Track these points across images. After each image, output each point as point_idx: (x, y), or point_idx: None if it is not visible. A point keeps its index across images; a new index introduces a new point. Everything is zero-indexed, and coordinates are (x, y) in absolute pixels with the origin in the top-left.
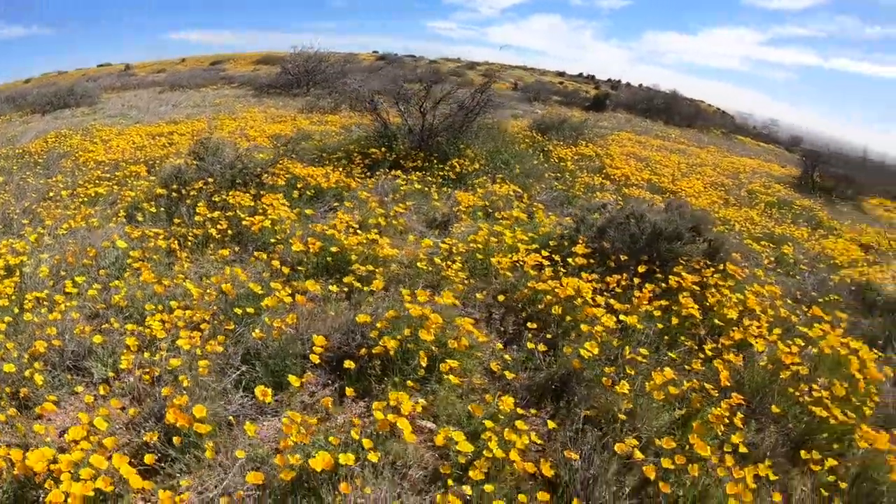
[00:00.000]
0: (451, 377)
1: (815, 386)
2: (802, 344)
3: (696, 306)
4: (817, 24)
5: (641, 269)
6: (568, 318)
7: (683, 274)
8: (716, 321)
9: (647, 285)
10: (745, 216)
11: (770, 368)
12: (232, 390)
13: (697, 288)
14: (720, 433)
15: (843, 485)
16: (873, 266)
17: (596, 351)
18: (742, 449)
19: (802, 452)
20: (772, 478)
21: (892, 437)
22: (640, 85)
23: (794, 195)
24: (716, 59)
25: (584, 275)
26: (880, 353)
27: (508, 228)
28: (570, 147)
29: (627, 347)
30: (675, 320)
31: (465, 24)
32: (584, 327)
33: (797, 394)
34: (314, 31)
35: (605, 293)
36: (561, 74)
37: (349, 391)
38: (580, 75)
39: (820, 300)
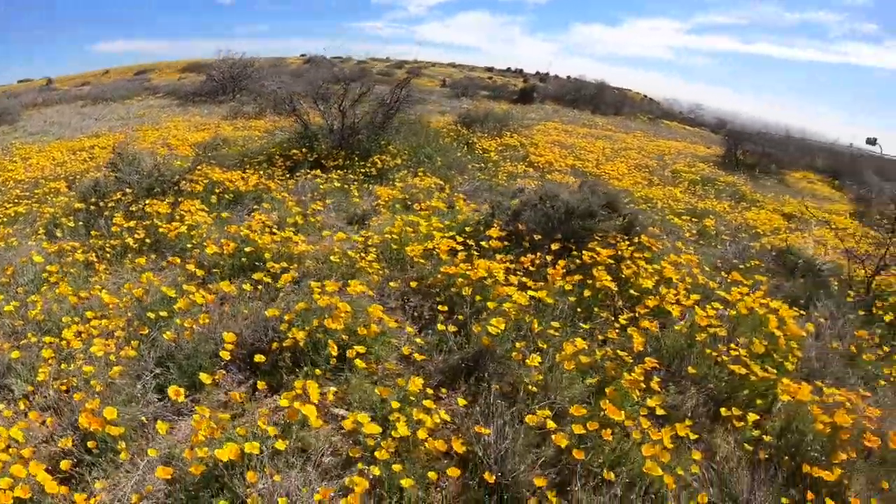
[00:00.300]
0: (357, 362)
1: (733, 346)
2: (721, 307)
3: (610, 278)
4: (739, 11)
5: (555, 246)
6: (478, 298)
7: (598, 249)
8: (631, 292)
9: (559, 262)
10: (668, 194)
11: (686, 332)
12: (149, 393)
13: (612, 261)
14: (636, 398)
15: (768, 438)
16: (795, 233)
17: (503, 327)
18: (660, 411)
19: (723, 410)
20: (692, 437)
21: (815, 388)
22: (568, 77)
23: (717, 173)
24: (642, 49)
25: (498, 256)
26: (802, 311)
27: (425, 218)
28: (495, 138)
29: (535, 321)
30: (587, 293)
31: (395, 22)
32: (490, 304)
33: (715, 354)
34: (244, 36)
35: (518, 273)
36: (490, 70)
37: (261, 385)
38: (509, 70)
39: (741, 266)
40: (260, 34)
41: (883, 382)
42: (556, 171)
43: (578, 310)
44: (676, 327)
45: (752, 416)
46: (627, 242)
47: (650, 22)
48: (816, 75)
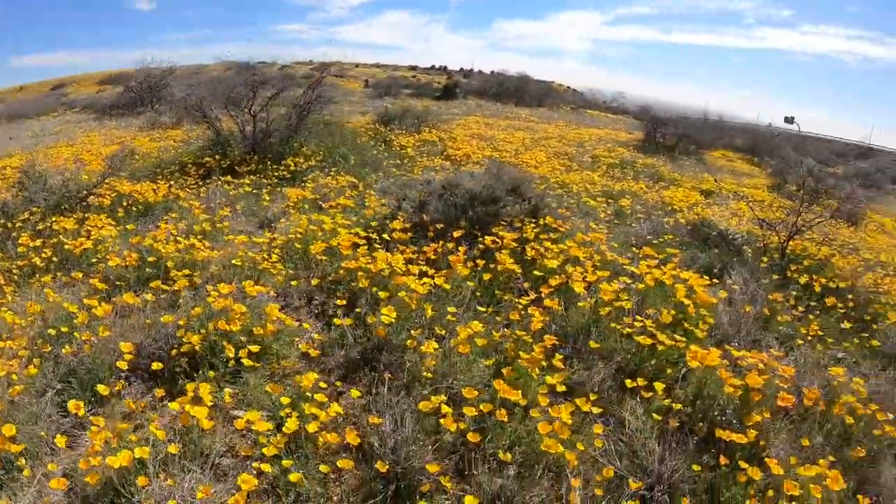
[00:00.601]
0: (246, 361)
1: (639, 317)
2: (629, 281)
3: (513, 261)
4: (658, 1)
5: (457, 234)
6: (374, 290)
7: (502, 233)
8: (535, 273)
9: (460, 248)
10: (585, 178)
11: (590, 308)
12: (49, 408)
13: (516, 245)
14: (536, 376)
15: (678, 406)
16: (711, 207)
17: (394, 316)
18: (560, 388)
19: (628, 381)
20: (595, 411)
21: (725, 353)
22: (493, 71)
23: (637, 156)
24: (565, 42)
25: (401, 248)
26: (716, 280)
27: (331, 216)
28: (413, 135)
29: (429, 308)
30: (486, 276)
31: (318, 24)
32: (382, 294)
33: (619, 327)
34: (166, 44)
35: (420, 262)
36: (414, 68)
37: (158, 392)
38: (433, 67)
39: (654, 242)
40: (182, 42)
41: (800, 342)
42: (473, 162)
43: (478, 294)
44: (580, 304)
45: (659, 386)
46: (533, 225)
47: (572, 15)
48: (736, 61)
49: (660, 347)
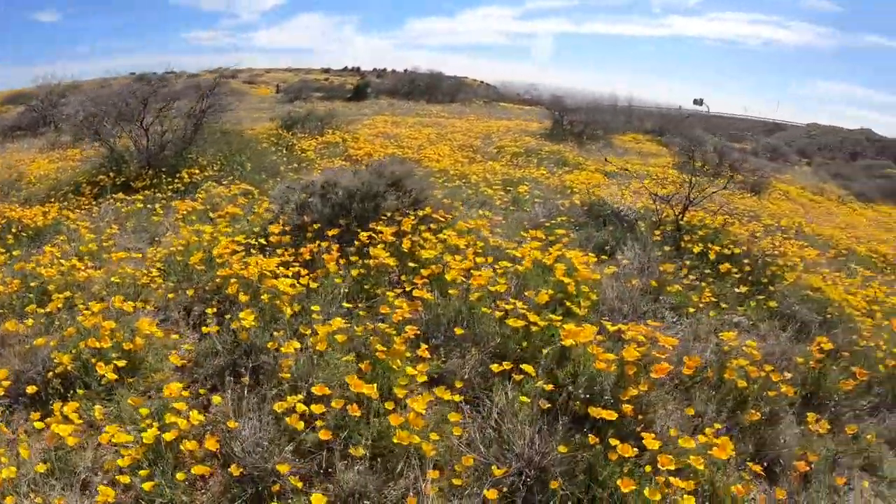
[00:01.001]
0: (111, 376)
1: (512, 300)
2: (509, 265)
3: (388, 254)
4: None
5: (332, 232)
6: (241, 295)
7: (380, 228)
8: (410, 264)
9: (333, 247)
10: (487, 169)
11: (460, 295)
12: None
13: (394, 238)
14: (397, 368)
15: (549, 387)
16: (611, 187)
17: (252, 319)
18: (421, 378)
19: (494, 366)
20: (456, 399)
21: (602, 328)
22: (406, 70)
23: (543, 144)
24: (478, 37)
25: (278, 251)
26: (607, 257)
27: (221, 226)
28: (316, 138)
29: (287, 308)
30: (355, 273)
31: (230, 31)
32: (242, 298)
33: (490, 311)
34: (77, 57)
35: (295, 265)
36: (327, 71)
37: (34, 415)
38: (346, 69)
39: (545, 224)
40: (95, 52)
41: (692, 310)
42: (375, 161)
43: (346, 291)
44: (451, 291)
45: (528, 368)
46: (412, 217)
47: (484, 10)
48: (649, 49)
49: (534, 329)
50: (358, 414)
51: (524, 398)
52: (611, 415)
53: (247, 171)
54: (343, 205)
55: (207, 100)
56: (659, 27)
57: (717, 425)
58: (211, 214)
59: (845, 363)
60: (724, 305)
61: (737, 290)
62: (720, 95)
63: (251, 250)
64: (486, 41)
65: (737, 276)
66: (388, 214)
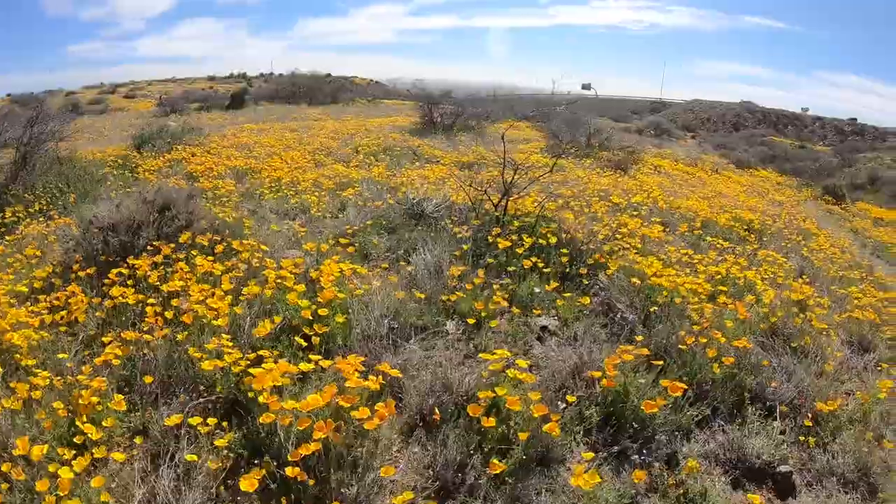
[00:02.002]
0: None
1: (225, 337)
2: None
3: (134, 290)
4: None
5: (83, 273)
6: None
7: (137, 262)
8: (151, 301)
9: (77, 289)
10: (332, 173)
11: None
12: None
13: (150, 270)
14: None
15: None
16: (447, 181)
17: None
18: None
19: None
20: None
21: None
22: (293, 72)
23: (408, 139)
24: (369, 35)
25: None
26: (404, 263)
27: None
28: (163, 156)
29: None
30: (100, 314)
31: (113, 41)
32: None
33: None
34: None
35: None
36: (212, 79)
37: None
38: (231, 76)
39: (349, 232)
40: None
41: (484, 314)
42: (213, 177)
43: (92, 333)
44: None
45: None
46: (173, 245)
47: (374, 8)
48: (536, 38)
49: (235, 369)
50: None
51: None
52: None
53: (71, 205)
54: (105, 240)
55: (35, 127)
56: (545, 18)
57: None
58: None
59: (672, 369)
60: (537, 310)
61: (546, 286)
62: (609, 79)
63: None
64: (378, 38)
65: (546, 269)
66: (154, 245)
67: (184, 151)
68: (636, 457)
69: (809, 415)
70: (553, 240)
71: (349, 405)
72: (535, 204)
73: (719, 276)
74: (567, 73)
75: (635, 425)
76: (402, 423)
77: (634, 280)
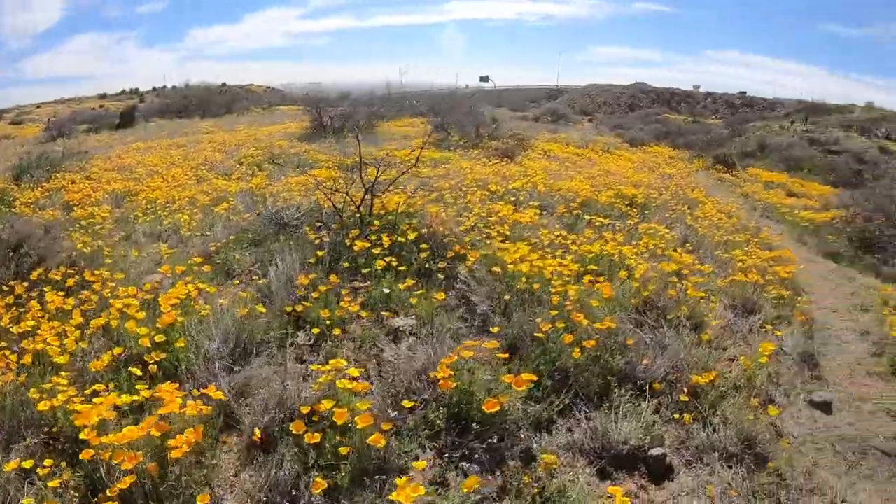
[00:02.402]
0: None
1: None
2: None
3: None
4: None
5: None
6: None
7: None
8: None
9: None
10: (210, 188)
11: None
12: None
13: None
14: None
15: None
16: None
17: None
18: None
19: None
20: None
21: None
22: (186, 84)
23: (296, 145)
24: (264, 41)
25: None
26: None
27: None
28: (42, 185)
29: None
30: None
31: None
32: None
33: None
34: None
35: None
36: (103, 97)
37: None
38: (123, 92)
39: (213, 248)
40: None
41: (317, 330)
42: (90, 204)
43: None
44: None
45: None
46: (27, 284)
47: (268, 13)
48: (435, 35)
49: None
50: None
51: None
52: None
53: None
54: None
55: None
56: (443, 14)
57: None
58: None
59: (529, 359)
60: (388, 312)
61: (401, 285)
62: (509, 71)
63: None
64: (273, 43)
65: (402, 267)
66: (11, 284)
67: (63, 179)
68: (486, 457)
69: (685, 389)
70: (413, 235)
71: (160, 434)
72: (403, 201)
73: (592, 255)
74: (409, 66)
75: (481, 425)
76: (242, 446)
77: (496, 269)
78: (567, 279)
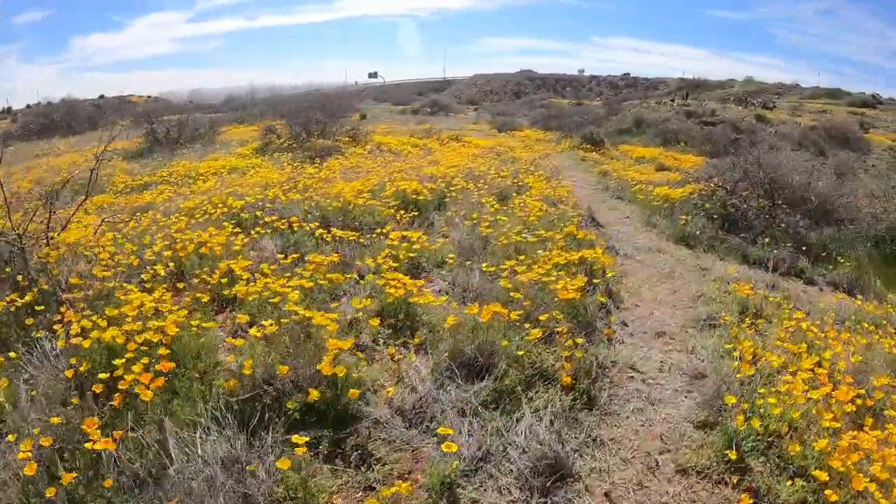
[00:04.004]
0: None
1: None
2: None
3: None
4: None
5: None
6: None
7: None
8: None
9: None
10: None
11: None
12: None
13: None
14: None
15: None
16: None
17: None
18: None
19: None
20: None
21: None
22: (63, 99)
23: (118, 164)
24: (148, 48)
25: None
26: None
27: None
28: None
29: None
30: None
31: None
32: None
33: None
34: None
35: None
36: None
37: None
38: None
39: None
40: None
41: None
42: None
43: None
44: None
45: None
46: None
47: (153, 18)
48: (326, 33)
49: None
50: None
51: None
52: None
53: None
54: None
55: None
56: (334, 12)
57: None
58: None
59: None
60: None
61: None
62: (401, 65)
63: None
64: (158, 50)
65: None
66: None
67: None
68: None
69: None
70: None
71: None
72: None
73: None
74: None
75: None
76: None
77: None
78: None
